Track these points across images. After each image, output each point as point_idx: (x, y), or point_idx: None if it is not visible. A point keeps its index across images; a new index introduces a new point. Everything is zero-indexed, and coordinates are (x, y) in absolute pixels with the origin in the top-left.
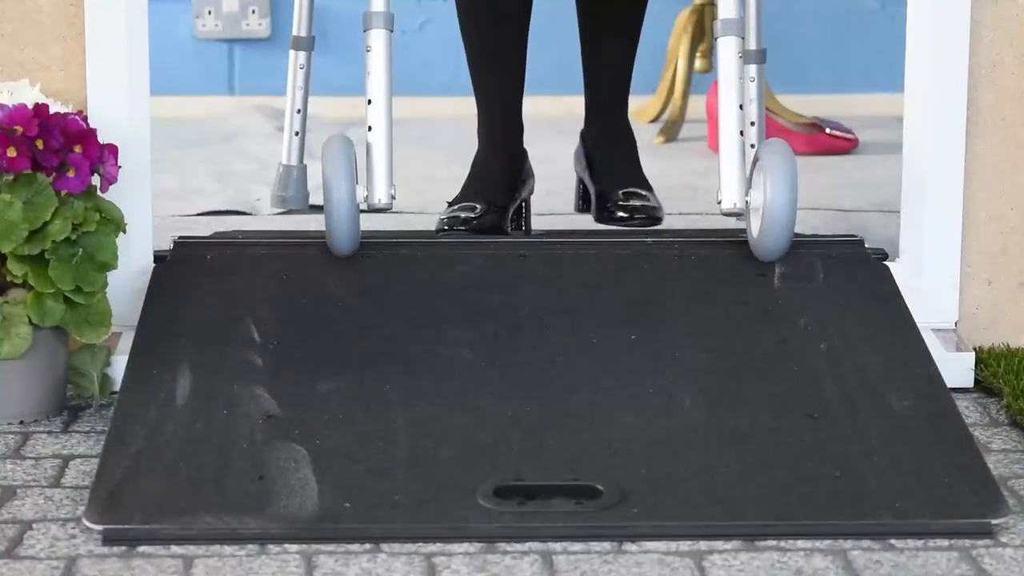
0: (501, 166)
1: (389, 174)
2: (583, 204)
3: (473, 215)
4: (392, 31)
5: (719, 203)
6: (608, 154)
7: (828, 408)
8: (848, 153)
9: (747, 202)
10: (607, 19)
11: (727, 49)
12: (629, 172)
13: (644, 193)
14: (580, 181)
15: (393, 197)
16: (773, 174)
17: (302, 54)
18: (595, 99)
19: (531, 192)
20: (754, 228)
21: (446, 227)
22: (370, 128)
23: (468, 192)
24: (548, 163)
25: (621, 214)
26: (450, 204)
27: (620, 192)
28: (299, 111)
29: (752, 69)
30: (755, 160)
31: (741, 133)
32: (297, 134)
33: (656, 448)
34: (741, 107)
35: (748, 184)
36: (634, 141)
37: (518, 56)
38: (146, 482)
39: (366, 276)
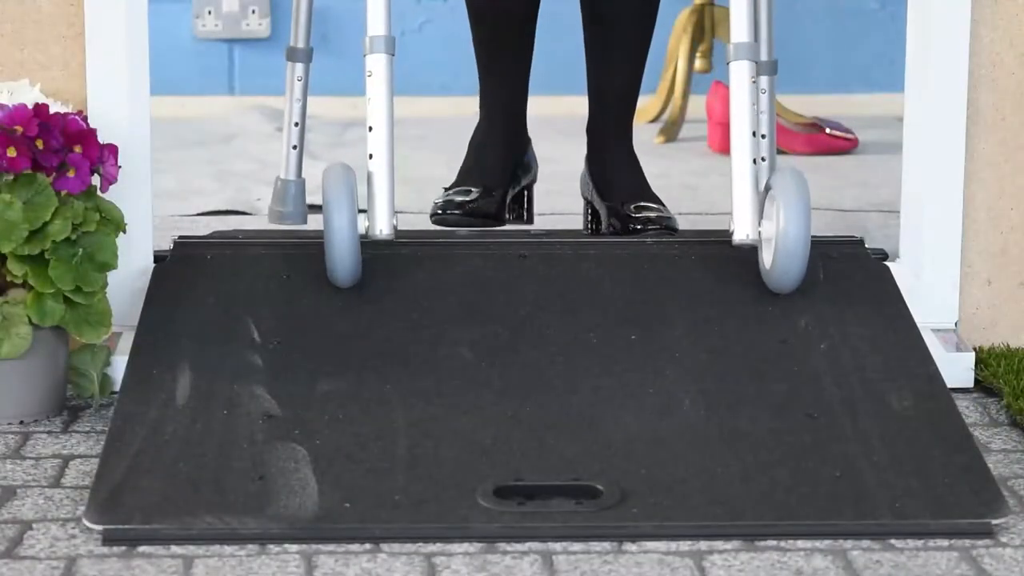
0: (500, 148)
1: (391, 205)
2: (593, 225)
3: (468, 199)
4: (393, 55)
5: (731, 233)
6: (615, 172)
7: (828, 408)
8: (848, 153)
9: (759, 232)
10: (614, 44)
11: (740, 74)
12: (638, 187)
13: (656, 206)
14: (588, 204)
15: (395, 227)
16: (786, 204)
17: (300, 66)
18: (600, 124)
19: (534, 180)
20: (766, 260)
21: (439, 211)
22: (371, 156)
23: (464, 175)
24: (548, 163)
25: (635, 226)
26: (446, 190)
27: (632, 206)
28: (297, 124)
29: (763, 80)
30: (767, 189)
31: (755, 161)
32: (295, 147)
33: (656, 448)
34: (755, 135)
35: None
36: (639, 164)
37: (526, 34)
38: (146, 482)
39: (366, 276)
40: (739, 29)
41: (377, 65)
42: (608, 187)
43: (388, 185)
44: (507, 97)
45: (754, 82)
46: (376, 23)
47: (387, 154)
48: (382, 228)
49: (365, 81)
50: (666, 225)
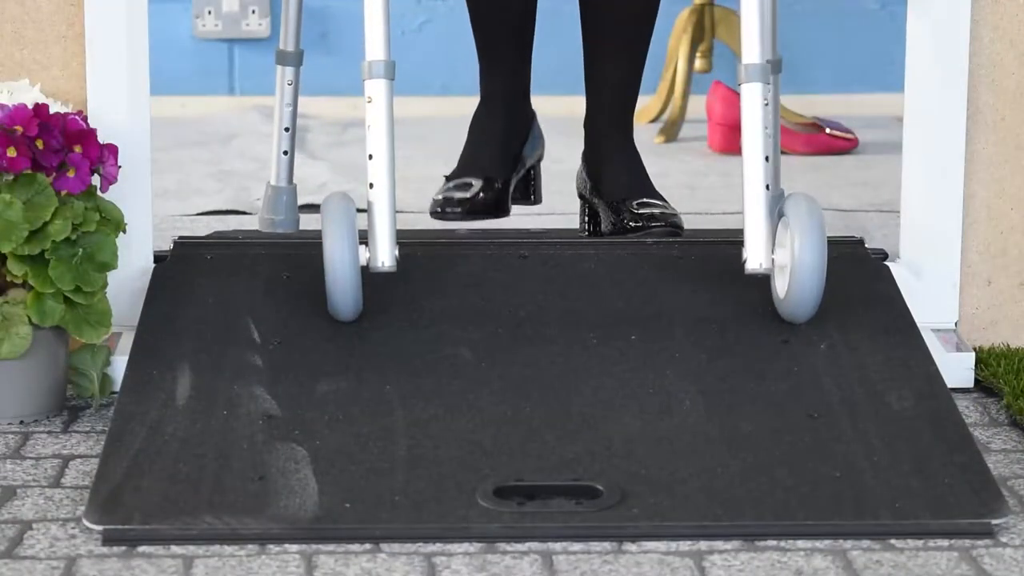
0: (502, 132)
1: (392, 236)
2: (592, 227)
3: (468, 195)
4: (393, 79)
5: (744, 262)
6: (615, 168)
7: (828, 408)
8: (848, 153)
9: (772, 260)
10: (612, 36)
11: (751, 96)
12: (639, 183)
13: (659, 202)
14: (585, 204)
15: (397, 258)
16: (801, 232)
17: (290, 70)
18: (598, 119)
19: (540, 158)
20: (780, 288)
21: (439, 209)
22: (372, 185)
23: (464, 166)
24: (548, 163)
25: (634, 223)
26: (447, 178)
27: (633, 202)
28: (287, 129)
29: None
30: (780, 215)
31: (767, 187)
32: (286, 153)
33: (656, 448)
34: (767, 158)
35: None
36: (640, 160)
37: (527, 13)
38: (146, 482)
39: (366, 276)
40: (751, 49)
41: (377, 91)
42: (607, 183)
43: (389, 216)
44: (507, 78)
45: (766, 104)
46: (375, 47)
47: (388, 183)
48: (384, 260)
49: (365, 108)
50: (671, 222)
